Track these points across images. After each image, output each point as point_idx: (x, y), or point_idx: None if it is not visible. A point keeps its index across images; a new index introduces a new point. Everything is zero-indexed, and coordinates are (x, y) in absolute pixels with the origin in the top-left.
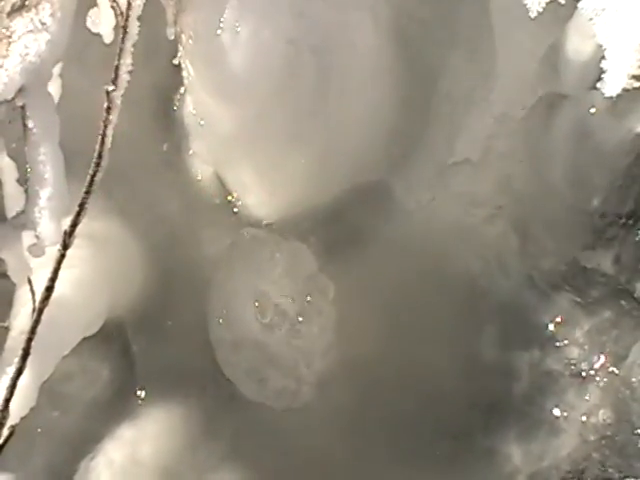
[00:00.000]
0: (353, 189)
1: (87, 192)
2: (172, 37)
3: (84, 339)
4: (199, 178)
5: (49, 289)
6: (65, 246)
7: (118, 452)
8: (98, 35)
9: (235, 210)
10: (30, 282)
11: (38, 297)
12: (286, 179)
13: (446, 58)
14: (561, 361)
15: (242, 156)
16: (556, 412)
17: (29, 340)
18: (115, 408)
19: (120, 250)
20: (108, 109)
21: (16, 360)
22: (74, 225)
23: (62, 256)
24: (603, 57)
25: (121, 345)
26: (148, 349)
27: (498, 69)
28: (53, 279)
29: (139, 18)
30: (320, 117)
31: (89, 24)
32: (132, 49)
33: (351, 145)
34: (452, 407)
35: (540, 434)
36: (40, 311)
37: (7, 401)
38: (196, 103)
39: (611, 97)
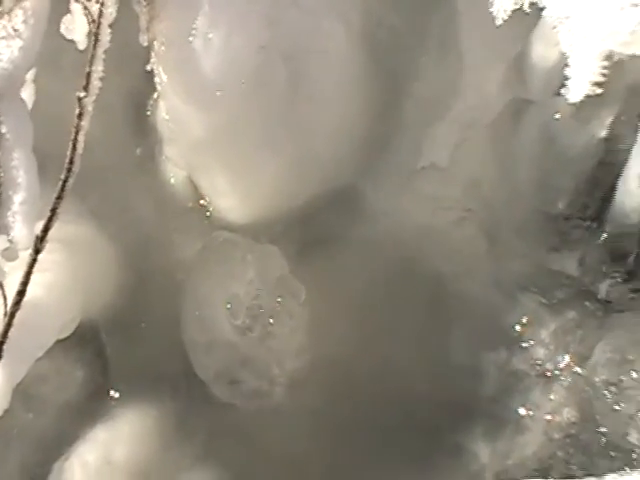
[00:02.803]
0: (324, 193)
1: (59, 197)
2: (145, 44)
3: (58, 341)
4: (172, 182)
5: (21, 293)
6: (37, 250)
7: (92, 453)
8: (72, 41)
9: (207, 214)
10: (2, 286)
11: (10, 301)
12: (257, 183)
13: (415, 64)
14: (527, 361)
15: (214, 161)
16: (522, 411)
17: (1, 344)
18: (89, 410)
19: (93, 253)
20: (80, 115)
21: None
22: (46, 230)
23: (34, 260)
24: (567, 64)
25: (95, 347)
26: (121, 351)
27: (466, 75)
28: (25, 283)
29: (112, 25)
30: (291, 123)
31: (63, 30)
32: (104, 56)
33: (322, 150)
34: (421, 406)
35: (506, 433)
36: (12, 315)
37: None
38: (169, 108)
39: (574, 103)
